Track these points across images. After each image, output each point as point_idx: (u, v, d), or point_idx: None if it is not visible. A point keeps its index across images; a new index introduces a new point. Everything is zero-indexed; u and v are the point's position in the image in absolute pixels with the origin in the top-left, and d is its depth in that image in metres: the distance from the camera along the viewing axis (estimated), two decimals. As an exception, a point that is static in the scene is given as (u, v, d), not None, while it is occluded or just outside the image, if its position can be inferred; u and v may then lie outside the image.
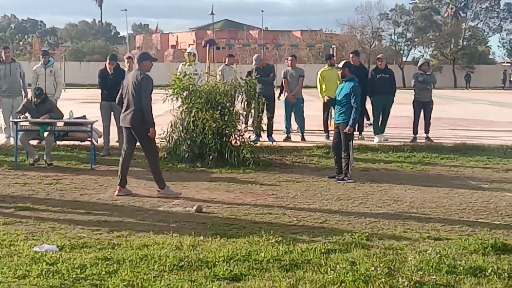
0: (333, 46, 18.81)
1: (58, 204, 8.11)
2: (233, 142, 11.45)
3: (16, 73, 12.92)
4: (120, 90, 8.95)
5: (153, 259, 5.58)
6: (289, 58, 14.66)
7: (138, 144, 9.02)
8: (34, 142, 11.62)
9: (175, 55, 64.92)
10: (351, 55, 14.33)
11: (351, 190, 9.31)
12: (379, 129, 14.05)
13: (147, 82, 8.58)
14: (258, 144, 12.53)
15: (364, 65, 14.99)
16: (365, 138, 14.10)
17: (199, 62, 14.51)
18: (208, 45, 17.32)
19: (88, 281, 5.06)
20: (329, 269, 5.33)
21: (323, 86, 14.00)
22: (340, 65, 10.33)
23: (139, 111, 8.54)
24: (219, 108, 11.38)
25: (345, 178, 9.92)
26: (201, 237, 6.45)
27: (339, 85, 10.45)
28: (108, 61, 12.30)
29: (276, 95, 14.61)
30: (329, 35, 62.78)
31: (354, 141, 10.57)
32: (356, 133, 13.67)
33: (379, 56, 14.94)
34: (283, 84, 14.30)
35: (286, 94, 14.28)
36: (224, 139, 11.26)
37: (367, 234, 6.66)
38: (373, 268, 5.29)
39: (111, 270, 5.30)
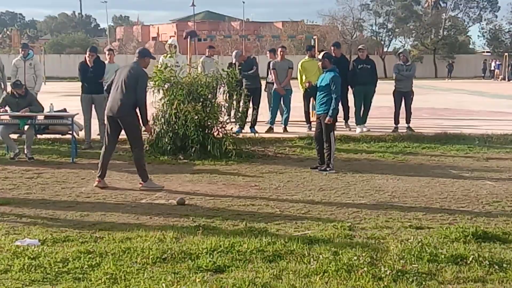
0: (314, 37, 18.74)
1: (39, 198, 8.05)
2: (215, 134, 11.44)
3: None
4: (113, 79, 8.89)
5: (136, 252, 5.58)
6: (279, 49, 14.61)
7: (120, 136, 9.00)
8: (14, 136, 11.51)
9: (156, 47, 64.51)
10: (332, 47, 14.34)
11: (333, 180, 9.35)
12: (361, 120, 14.11)
13: (145, 78, 8.63)
14: (241, 135, 12.52)
15: (345, 56, 14.98)
16: (351, 128, 14.11)
17: (180, 53, 14.44)
18: (189, 36, 17.21)
19: (70, 274, 5.05)
20: (312, 259, 5.36)
21: (303, 77, 14.01)
22: (320, 56, 10.35)
23: (128, 102, 8.50)
24: (201, 100, 11.35)
25: (328, 169, 9.95)
26: (184, 229, 6.45)
27: (320, 75, 10.47)
28: (88, 53, 12.20)
29: (263, 86, 14.60)
30: (310, 26, 62.70)
31: (336, 132, 10.60)
32: (342, 122, 13.74)
33: (360, 46, 14.98)
34: (272, 75, 14.26)
35: (274, 85, 14.23)
36: (206, 131, 11.25)
37: (349, 224, 6.70)
38: (355, 258, 5.33)
39: (93, 263, 5.29)
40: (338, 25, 62.75)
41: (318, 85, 10.15)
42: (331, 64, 10.08)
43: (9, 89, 11.72)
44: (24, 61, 12.92)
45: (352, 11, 62.50)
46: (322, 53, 10.47)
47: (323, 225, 6.67)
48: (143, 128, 9.02)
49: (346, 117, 14.29)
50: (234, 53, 14.39)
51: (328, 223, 6.74)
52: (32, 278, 4.94)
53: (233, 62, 13.86)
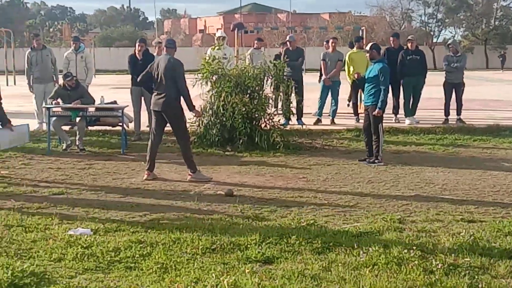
0: (362, 28, 18.58)
1: (91, 188, 8.21)
2: (262, 125, 11.45)
3: (47, 59, 13.05)
4: (147, 70, 9.01)
5: (185, 242, 5.63)
6: (331, 40, 14.48)
7: (168, 128, 9.10)
8: (66, 128, 11.75)
9: (203, 40, 64.93)
10: (391, 38, 14.19)
11: (382, 173, 9.26)
12: (410, 111, 13.91)
13: (181, 67, 8.70)
14: (288, 127, 12.51)
15: (404, 48, 14.67)
16: (400, 121, 13.92)
17: (227, 46, 14.49)
18: (236, 29, 17.27)
19: (122, 263, 5.13)
20: (361, 252, 5.32)
21: (351, 69, 13.90)
22: (368, 47, 10.24)
23: (171, 95, 8.61)
24: (249, 92, 11.38)
25: (376, 161, 9.86)
26: (233, 220, 6.49)
27: (369, 67, 10.38)
28: (138, 43, 12.33)
29: (305, 78, 14.53)
30: (358, 17, 62.05)
31: (385, 123, 10.48)
32: (392, 115, 13.58)
33: (409, 37, 14.73)
34: (321, 66, 14.21)
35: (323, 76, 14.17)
36: (254, 123, 11.28)
37: (399, 217, 6.62)
38: (406, 251, 5.27)
39: (144, 253, 5.37)
40: (386, 15, 61.94)
41: (366, 77, 10.05)
42: (379, 55, 9.97)
43: (61, 82, 11.95)
44: (76, 54, 13.16)
45: (401, 1, 61.56)
46: (370, 44, 10.34)
47: (372, 218, 6.61)
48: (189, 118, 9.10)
49: (397, 110, 14.10)
50: (290, 35, 14.40)
51: (378, 216, 6.68)
52: (85, 267, 5.05)
53: (286, 40, 13.84)
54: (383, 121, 10.25)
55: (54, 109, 11.25)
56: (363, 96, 11.21)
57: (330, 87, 14.04)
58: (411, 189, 8.17)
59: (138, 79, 9.40)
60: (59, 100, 11.25)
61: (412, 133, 12.87)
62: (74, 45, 13.38)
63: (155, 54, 12.62)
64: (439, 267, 4.93)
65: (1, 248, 5.47)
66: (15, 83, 27.41)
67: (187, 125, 9.48)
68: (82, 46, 13.58)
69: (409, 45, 14.06)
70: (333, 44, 14.19)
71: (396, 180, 8.69)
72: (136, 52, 12.21)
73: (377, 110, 9.75)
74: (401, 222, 6.44)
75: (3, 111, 8.74)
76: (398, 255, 5.18)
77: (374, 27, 54.67)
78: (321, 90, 14.23)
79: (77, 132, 11.21)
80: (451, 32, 66.32)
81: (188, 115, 9.36)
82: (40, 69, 12.98)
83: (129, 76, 12.64)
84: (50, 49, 13.59)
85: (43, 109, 12.11)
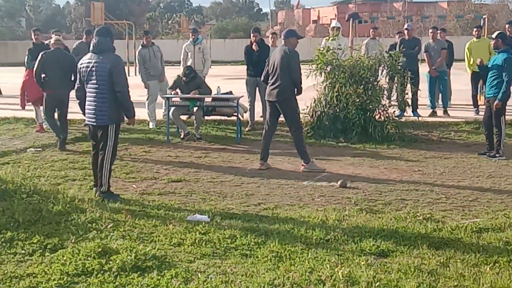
0: (484, 17, 17.81)
1: (207, 176, 8.43)
2: (377, 117, 11.29)
3: (158, 55, 13.16)
4: (266, 66, 9.11)
5: (299, 232, 5.68)
6: (430, 30, 14.09)
7: (281, 119, 9.17)
8: (184, 117, 12.11)
9: (316, 30, 64.65)
10: (507, 26, 13.56)
11: (503, 167, 8.88)
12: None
13: (296, 58, 8.69)
14: (403, 119, 12.25)
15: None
16: None
17: (342, 36, 14.36)
18: (351, 19, 17.10)
19: (238, 250, 5.25)
20: (481, 249, 5.15)
21: (471, 59, 13.38)
22: (494, 35, 9.80)
23: (286, 86, 8.66)
24: (363, 82, 11.24)
25: (497, 155, 9.47)
26: (346, 212, 6.46)
27: (492, 56, 9.94)
28: (252, 33, 12.49)
29: (421, 69, 14.16)
30: (478, 5, 59.49)
31: (507, 116, 10.03)
32: None
33: (535, 26, 13.96)
34: (426, 58, 13.83)
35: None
36: (367, 114, 11.13)
37: (522, 213, 6.33)
38: (529, 249, 5.04)
39: (259, 241, 5.46)
40: (509, 3, 59.00)
41: (489, 66, 9.64)
42: (504, 45, 9.52)
43: (179, 73, 12.27)
44: (194, 45, 13.48)
45: (525, -12, 58.43)
46: (496, 33, 9.89)
47: (492, 214, 6.37)
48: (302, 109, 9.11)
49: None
50: (407, 25, 14.12)
51: (499, 212, 6.43)
52: (203, 252, 5.21)
53: (404, 28, 13.76)
54: (506, 113, 9.81)
55: (173, 99, 11.62)
56: (484, 87, 10.76)
57: (437, 78, 13.63)
58: (535, 185, 7.79)
59: (262, 79, 9.43)
60: (177, 90, 11.62)
61: (536, 126, 12.21)
62: (192, 36, 13.69)
63: (269, 45, 12.71)
64: None
65: (125, 231, 5.76)
66: (136, 74, 28.54)
67: (300, 115, 9.51)
68: (200, 37, 13.87)
69: (535, 34, 13.32)
70: (431, 34, 13.77)
71: (518, 176, 8.32)
72: (252, 42, 12.36)
73: (496, 101, 9.34)
74: (524, 219, 6.16)
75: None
76: (521, 253, 4.97)
77: (496, 15, 52.20)
78: (428, 82, 13.84)
79: (195, 122, 11.55)
80: None
81: (301, 105, 9.36)
82: (155, 65, 13.04)
83: (244, 67, 12.83)
84: (158, 46, 13.58)
85: (154, 108, 12.62)
